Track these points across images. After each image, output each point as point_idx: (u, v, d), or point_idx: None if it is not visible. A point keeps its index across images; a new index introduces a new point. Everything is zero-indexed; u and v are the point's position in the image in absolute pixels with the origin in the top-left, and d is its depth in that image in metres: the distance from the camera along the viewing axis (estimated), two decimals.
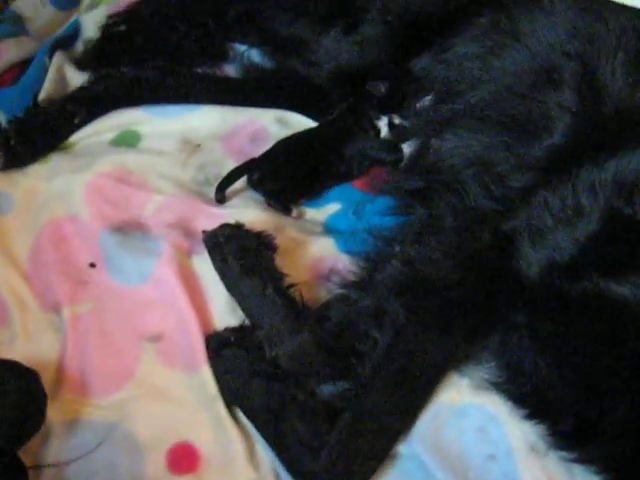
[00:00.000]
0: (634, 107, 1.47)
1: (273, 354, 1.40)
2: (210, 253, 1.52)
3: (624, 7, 1.72)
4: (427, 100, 1.72)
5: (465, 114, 1.63)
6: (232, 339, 1.43)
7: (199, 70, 1.91)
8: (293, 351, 1.39)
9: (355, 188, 1.78)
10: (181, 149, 1.76)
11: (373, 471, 1.32)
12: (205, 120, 1.80)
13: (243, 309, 1.48)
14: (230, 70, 1.97)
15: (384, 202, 1.71)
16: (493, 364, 1.43)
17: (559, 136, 1.47)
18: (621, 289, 1.28)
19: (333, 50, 1.80)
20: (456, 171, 1.55)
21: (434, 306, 1.36)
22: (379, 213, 1.70)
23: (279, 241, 1.59)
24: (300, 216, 1.71)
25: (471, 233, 1.41)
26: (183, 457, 1.38)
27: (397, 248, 1.46)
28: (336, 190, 1.78)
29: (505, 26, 1.67)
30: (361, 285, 1.47)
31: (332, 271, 1.59)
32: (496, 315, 1.36)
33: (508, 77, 1.61)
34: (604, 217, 1.35)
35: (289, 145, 1.73)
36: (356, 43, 1.79)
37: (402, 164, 1.72)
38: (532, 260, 1.35)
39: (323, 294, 1.55)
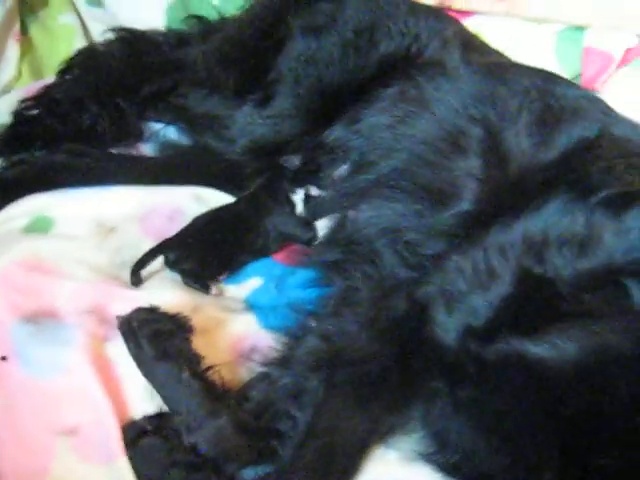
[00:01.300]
0: (538, 167, 1.49)
1: (192, 441, 1.35)
2: (124, 339, 1.47)
3: (528, 68, 1.77)
4: (343, 170, 1.73)
5: (379, 184, 1.64)
6: (149, 427, 1.38)
7: (114, 151, 1.88)
8: (211, 436, 1.35)
9: (276, 262, 1.76)
10: (95, 232, 1.72)
11: None
12: (120, 201, 1.77)
13: (160, 395, 1.43)
14: (146, 149, 1.95)
15: (305, 275, 1.69)
16: (421, 434, 1.40)
17: (467, 203, 1.49)
18: (538, 349, 1.27)
19: (247, 125, 1.81)
20: (371, 241, 1.55)
21: (352, 380, 1.34)
22: (301, 286, 1.68)
23: (198, 321, 1.55)
24: (220, 294, 1.68)
25: (386, 303, 1.40)
26: None
27: (313, 323, 1.43)
28: (257, 265, 1.76)
29: (413, 95, 1.69)
30: (281, 362, 1.44)
31: (254, 349, 1.56)
32: (416, 384, 1.34)
33: (418, 145, 1.62)
34: (516, 278, 1.36)
35: (205, 222, 1.72)
36: (269, 117, 1.80)
37: (321, 237, 1.71)
38: (448, 326, 1.34)
39: (245, 374, 1.51)
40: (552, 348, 1.26)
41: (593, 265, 1.35)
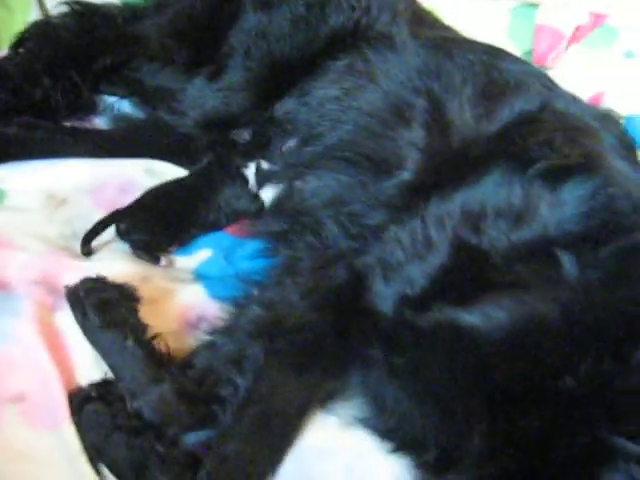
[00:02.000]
0: (479, 139, 1.52)
1: (135, 406, 1.38)
2: (71, 308, 1.50)
3: (474, 43, 1.79)
4: (292, 143, 1.75)
5: (325, 155, 1.66)
6: (94, 394, 1.40)
7: (67, 124, 1.89)
8: (154, 402, 1.37)
9: (225, 233, 1.79)
10: (46, 204, 1.73)
11: None
12: (71, 174, 1.79)
13: (106, 363, 1.46)
14: (100, 122, 1.96)
15: (254, 246, 1.71)
16: (359, 401, 1.43)
17: (409, 172, 1.51)
18: (470, 317, 1.31)
19: (198, 98, 1.82)
20: (315, 212, 1.58)
21: (291, 347, 1.37)
22: (249, 257, 1.70)
23: (147, 291, 1.58)
24: (169, 265, 1.70)
25: (326, 272, 1.43)
26: None
27: (257, 292, 1.46)
28: (207, 237, 1.78)
29: (360, 68, 1.72)
30: (225, 331, 1.47)
31: (201, 319, 1.58)
32: (353, 352, 1.37)
33: (364, 117, 1.65)
34: (452, 248, 1.39)
35: (157, 195, 1.73)
36: (220, 90, 1.82)
37: (268, 208, 1.73)
38: (385, 295, 1.37)
39: (191, 342, 1.53)
40: (484, 316, 1.30)
41: (527, 237, 1.38)
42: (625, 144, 1.68)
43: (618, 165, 1.54)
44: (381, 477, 1.38)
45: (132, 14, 1.98)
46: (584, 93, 2.09)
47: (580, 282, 1.31)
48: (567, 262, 1.33)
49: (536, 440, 1.23)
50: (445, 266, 1.37)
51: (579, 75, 2.15)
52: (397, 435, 1.39)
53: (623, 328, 1.26)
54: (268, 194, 1.79)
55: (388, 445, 1.39)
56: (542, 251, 1.36)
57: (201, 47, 1.84)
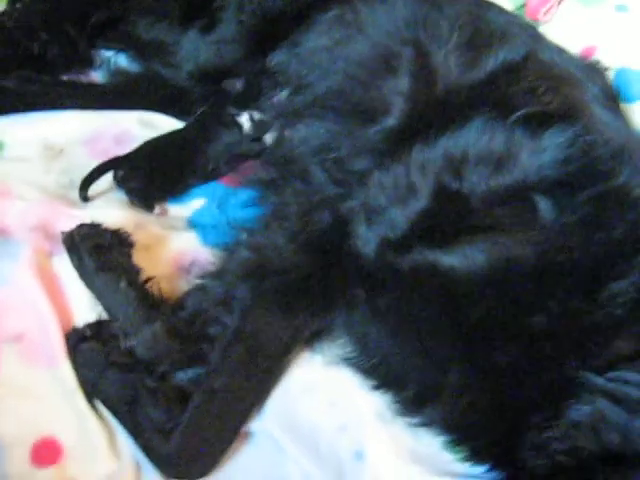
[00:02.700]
0: (463, 87, 1.55)
1: (128, 345, 1.44)
2: (68, 252, 1.56)
3: None
4: (283, 94, 1.78)
5: (315, 105, 1.70)
6: (89, 333, 1.47)
7: (64, 78, 1.93)
8: (146, 340, 1.44)
9: (219, 183, 1.83)
10: (44, 155, 1.78)
11: (224, 449, 1.37)
12: (67, 125, 1.83)
13: (101, 304, 1.52)
14: (97, 76, 2.00)
15: (246, 195, 1.76)
16: (344, 340, 1.49)
17: (393, 119, 1.54)
18: (449, 259, 1.35)
19: (192, 51, 1.85)
20: (304, 159, 1.62)
21: (277, 288, 1.42)
22: (241, 205, 1.75)
23: (141, 237, 1.64)
24: (163, 213, 1.75)
25: (312, 217, 1.48)
26: (46, 451, 1.40)
27: (245, 237, 1.51)
28: (202, 186, 1.82)
29: (349, 19, 1.74)
30: (216, 274, 1.52)
31: (193, 264, 1.64)
32: (337, 293, 1.42)
33: (352, 67, 1.68)
34: (433, 193, 1.43)
35: (155, 145, 1.78)
36: (213, 43, 1.85)
37: (260, 159, 1.78)
38: (367, 238, 1.42)
39: (184, 286, 1.59)
40: (462, 258, 1.35)
41: (507, 182, 1.42)
42: (609, 95, 1.71)
43: (599, 114, 1.56)
44: (363, 412, 1.44)
45: None
46: (576, 47, 2.11)
47: (556, 225, 1.35)
48: (544, 206, 1.37)
49: (508, 375, 1.28)
50: (426, 210, 1.41)
51: (571, 29, 2.15)
52: (379, 373, 1.44)
53: (594, 267, 1.30)
54: (268, 139, 1.82)
55: (370, 382, 1.45)
56: (520, 196, 1.39)
57: (194, 1, 1.87)
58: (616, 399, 1.22)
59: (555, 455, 1.23)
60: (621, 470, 1.19)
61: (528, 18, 2.21)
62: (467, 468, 1.39)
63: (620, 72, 2.10)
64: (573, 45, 2.09)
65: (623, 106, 2.01)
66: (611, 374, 1.24)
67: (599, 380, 1.24)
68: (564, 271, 1.30)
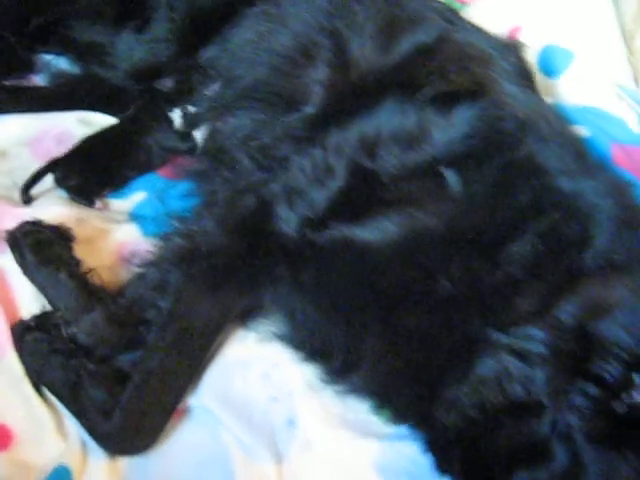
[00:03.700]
0: (376, 72, 1.63)
1: (69, 332, 1.52)
2: (11, 249, 1.63)
3: None
4: (214, 88, 1.86)
5: (243, 97, 1.78)
6: (33, 324, 1.55)
7: (6, 83, 2.00)
8: (86, 327, 1.52)
9: (159, 176, 1.91)
10: None
11: (163, 425, 1.45)
12: (9, 128, 1.91)
13: (44, 297, 1.60)
14: (39, 80, 2.07)
15: (184, 186, 1.84)
16: (274, 317, 1.57)
17: (312, 106, 1.63)
18: (364, 233, 1.44)
19: (126, 51, 1.93)
20: (233, 149, 1.70)
21: (206, 270, 1.50)
22: (180, 197, 1.82)
23: (83, 231, 1.72)
24: (105, 207, 1.83)
25: (238, 202, 1.56)
26: None
27: (175, 224, 1.59)
28: (141, 180, 1.90)
29: (273, 12, 1.83)
30: (152, 263, 1.60)
31: (134, 254, 1.70)
32: (263, 271, 1.50)
33: (276, 58, 1.76)
34: (349, 173, 1.51)
35: (90, 142, 1.86)
36: (147, 42, 1.92)
37: (197, 150, 1.86)
38: (289, 219, 1.50)
39: (125, 276, 1.67)
40: (375, 231, 1.43)
41: (418, 158, 1.50)
42: (522, 71, 1.79)
43: (509, 90, 1.65)
44: (294, 383, 1.53)
45: None
46: (503, 27, 2.20)
47: (464, 196, 1.44)
48: (452, 178, 1.45)
49: (419, 338, 1.37)
50: (343, 189, 1.49)
51: (496, 11, 2.24)
52: (307, 346, 1.53)
53: (497, 233, 1.39)
54: (199, 135, 1.90)
55: (300, 355, 1.54)
56: (430, 170, 1.48)
57: (127, 1, 1.94)
58: (519, 354, 1.31)
59: (465, 410, 1.31)
60: (525, 418, 1.27)
61: (456, 1, 2.29)
62: (392, 429, 1.48)
63: (545, 49, 2.19)
64: (500, 25, 2.18)
65: (548, 81, 2.11)
66: (514, 331, 1.33)
67: (503, 337, 1.33)
68: (469, 238, 1.39)
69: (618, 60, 2.14)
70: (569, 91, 2.09)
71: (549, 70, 2.17)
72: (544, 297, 1.35)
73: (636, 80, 2.10)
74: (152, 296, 1.53)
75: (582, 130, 1.92)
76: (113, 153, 1.85)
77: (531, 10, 2.24)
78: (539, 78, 2.10)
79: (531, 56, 2.11)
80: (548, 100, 2.00)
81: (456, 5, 2.27)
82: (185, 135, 1.88)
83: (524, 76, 1.78)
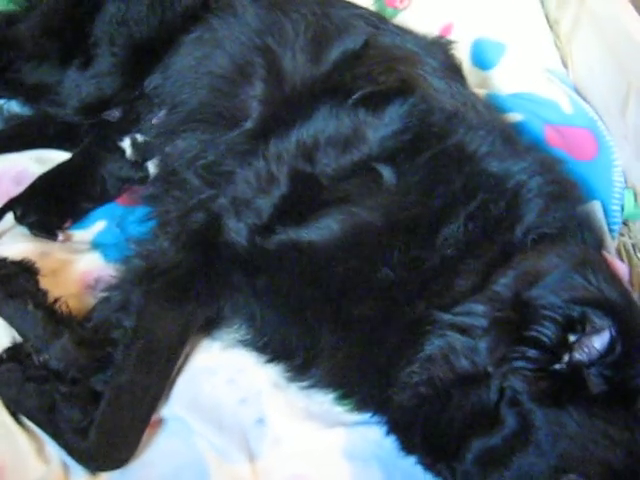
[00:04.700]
0: (308, 82, 1.72)
1: (41, 359, 1.58)
2: None
3: None
4: (161, 114, 1.94)
5: (188, 120, 1.86)
6: (5, 356, 1.61)
7: None
8: (57, 353, 1.58)
9: (117, 204, 1.99)
10: None
11: (138, 438, 1.51)
12: None
13: (14, 329, 1.66)
14: None
15: (141, 212, 1.91)
16: (237, 324, 1.65)
17: (251, 122, 1.71)
18: (308, 233, 1.52)
19: (73, 88, 2.00)
20: (182, 170, 1.77)
21: (165, 286, 1.58)
22: (138, 222, 1.89)
23: (48, 264, 1.79)
24: (67, 239, 1.90)
25: (189, 218, 1.63)
26: None
27: (136, 247, 1.66)
28: (101, 210, 1.98)
29: (208, 37, 1.91)
30: (115, 286, 1.67)
31: (98, 280, 1.78)
32: (219, 282, 1.57)
33: (216, 80, 1.84)
34: (290, 179, 1.59)
35: (46, 178, 1.93)
36: (92, 77, 2.00)
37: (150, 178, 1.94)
38: (238, 229, 1.57)
39: (91, 302, 1.74)
40: (318, 231, 1.51)
41: (354, 158, 1.59)
42: (450, 66, 1.88)
43: (437, 85, 1.74)
44: (260, 384, 1.60)
45: (7, 19, 2.14)
46: (435, 27, 2.30)
47: (399, 188, 1.52)
48: (387, 173, 1.53)
49: (368, 326, 1.44)
50: (286, 195, 1.57)
51: (428, 12, 2.34)
52: (270, 348, 1.60)
53: (432, 219, 1.47)
54: (152, 165, 1.98)
55: (264, 357, 1.61)
56: (366, 168, 1.56)
57: (70, 41, 2.02)
58: (462, 329, 1.39)
59: (417, 388, 1.39)
60: (473, 389, 1.35)
61: (389, 7, 2.38)
62: (356, 417, 1.55)
63: (477, 43, 2.29)
64: (433, 25, 2.28)
65: (483, 74, 2.20)
66: (456, 309, 1.41)
67: (446, 316, 1.41)
68: (406, 227, 1.46)
69: (546, 46, 2.24)
70: (503, 81, 2.18)
71: (483, 63, 2.27)
72: (481, 274, 1.42)
73: (564, 63, 2.20)
74: (117, 317, 1.60)
75: (516, 116, 2.01)
76: (69, 187, 1.92)
77: (461, 7, 2.34)
78: (473, 72, 2.20)
79: (463, 51, 2.22)
80: (483, 91, 2.10)
81: (389, 11, 2.37)
82: (138, 164, 1.94)
83: (452, 70, 1.86)
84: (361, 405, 1.53)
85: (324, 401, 1.57)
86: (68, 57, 2.03)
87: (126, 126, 1.98)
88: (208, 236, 1.59)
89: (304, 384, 1.57)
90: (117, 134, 1.98)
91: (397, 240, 1.46)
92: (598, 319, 1.28)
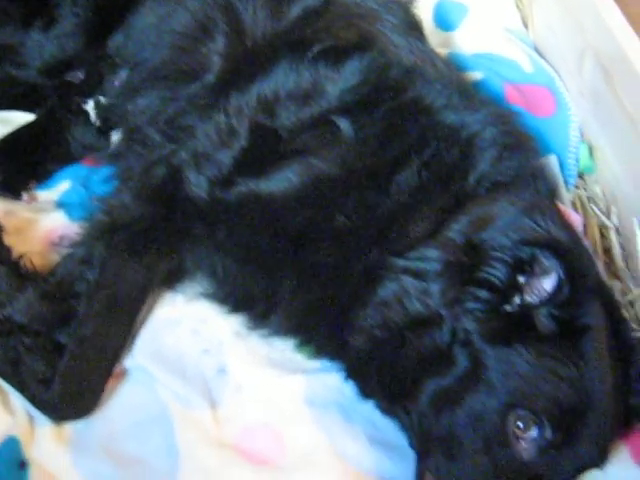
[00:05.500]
0: (269, 37, 1.73)
1: (5, 314, 1.60)
2: None
3: None
4: (123, 74, 1.95)
5: (149, 78, 1.87)
6: None
7: None
8: (21, 306, 1.59)
9: (82, 164, 2.00)
10: None
11: (101, 388, 1.53)
12: None
13: None
14: None
15: (106, 171, 1.92)
16: (199, 277, 1.67)
17: (212, 75, 1.72)
18: (269, 185, 1.54)
19: (37, 48, 2.00)
20: (143, 126, 1.78)
21: (126, 239, 1.59)
22: (103, 182, 1.91)
23: (12, 222, 1.80)
24: (32, 199, 1.91)
25: (151, 173, 1.65)
26: None
27: (97, 204, 1.68)
28: (66, 170, 1.99)
29: None
30: (79, 242, 1.68)
31: (62, 238, 1.79)
32: (180, 234, 1.59)
33: (177, 37, 1.85)
34: (250, 132, 1.61)
35: (11, 139, 1.94)
36: (55, 38, 2.00)
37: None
38: (199, 181, 1.59)
39: (56, 259, 1.75)
40: (278, 182, 1.53)
41: (314, 112, 1.61)
42: (410, 24, 1.90)
43: (395, 40, 1.76)
44: (222, 334, 1.62)
45: None
46: None
47: (356, 140, 1.55)
48: (344, 125, 1.56)
49: (325, 272, 1.47)
50: (245, 147, 1.59)
51: None
52: (231, 299, 1.63)
53: (388, 167, 1.50)
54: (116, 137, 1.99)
55: (226, 308, 1.63)
56: (324, 120, 1.58)
57: (32, 2, 2.02)
58: (416, 274, 1.42)
59: (371, 331, 1.42)
60: (426, 331, 1.38)
61: None
62: (316, 364, 1.58)
63: (439, 4, 2.32)
64: None
65: (445, 34, 2.23)
66: (410, 254, 1.44)
67: (400, 261, 1.44)
68: (361, 176, 1.49)
69: (508, 7, 2.27)
70: (465, 42, 2.21)
71: (445, 24, 2.30)
72: (435, 221, 1.46)
73: (525, 24, 2.23)
74: (80, 271, 1.61)
75: (477, 74, 2.04)
76: (34, 148, 1.93)
77: None
78: (436, 33, 2.23)
79: (426, 13, 2.25)
80: (445, 51, 2.13)
81: None
82: (102, 133, 1.95)
83: (412, 28, 1.88)
84: (320, 351, 1.56)
85: (285, 349, 1.60)
86: (30, 18, 2.02)
87: (89, 88, 1.99)
88: (169, 190, 1.61)
89: (265, 332, 1.60)
90: (81, 96, 1.98)
91: (352, 189, 1.48)
92: (546, 260, 1.31)
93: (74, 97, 1.99)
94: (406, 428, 1.44)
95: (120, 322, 1.58)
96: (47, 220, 1.85)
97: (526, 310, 1.34)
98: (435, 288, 1.38)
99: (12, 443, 1.50)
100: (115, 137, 1.98)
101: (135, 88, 1.89)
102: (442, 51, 2.09)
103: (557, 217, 1.41)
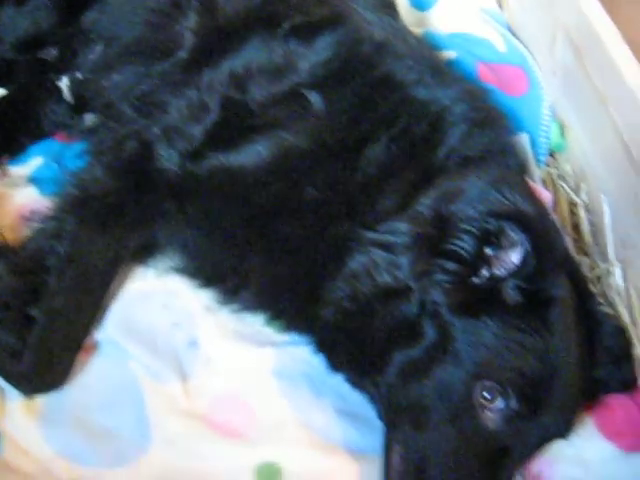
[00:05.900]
0: (240, 14, 1.73)
1: None
2: None
3: None
4: (97, 50, 1.94)
5: (124, 53, 1.86)
6: None
7: None
8: None
9: (54, 140, 1.99)
10: None
11: (72, 361, 1.53)
12: None
13: None
14: None
15: (79, 147, 1.91)
16: (170, 252, 1.67)
17: (184, 52, 1.72)
18: (238, 158, 1.55)
19: (10, 24, 1.99)
20: (116, 102, 1.78)
21: (97, 212, 1.59)
22: (76, 157, 1.90)
23: None
24: (4, 175, 1.90)
25: (122, 147, 1.65)
26: None
27: (69, 178, 1.67)
28: (38, 145, 1.98)
29: None
30: (50, 216, 1.68)
31: (34, 212, 1.78)
32: (150, 208, 1.59)
33: (151, 14, 1.85)
34: (221, 106, 1.61)
35: None
36: (29, 13, 1.99)
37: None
38: (170, 156, 1.59)
39: (27, 233, 1.75)
40: (248, 155, 1.54)
41: (285, 86, 1.61)
42: (383, 1, 1.92)
43: (368, 17, 1.76)
44: (193, 308, 1.63)
45: None
46: None
47: (326, 114, 1.56)
48: (315, 99, 1.57)
49: (295, 246, 1.48)
50: (216, 121, 1.59)
51: None
52: (202, 273, 1.63)
53: (358, 141, 1.50)
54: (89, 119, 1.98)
55: (197, 283, 1.64)
56: (294, 94, 1.59)
57: None
58: (385, 247, 1.43)
59: (340, 303, 1.43)
60: (395, 303, 1.39)
61: None
62: (285, 337, 1.59)
63: None
64: None
65: (420, 14, 2.23)
66: (380, 227, 1.45)
67: (370, 234, 1.45)
68: (330, 149, 1.50)
69: None
70: (440, 21, 2.22)
71: (420, 4, 2.30)
72: (404, 194, 1.47)
73: (499, 3, 2.24)
74: (51, 245, 1.61)
75: (450, 53, 2.05)
76: (6, 123, 1.92)
77: None
78: (411, 12, 2.23)
79: None
80: (419, 30, 2.14)
81: None
82: (75, 110, 1.94)
83: (385, 5, 1.89)
84: (290, 325, 1.57)
85: (254, 322, 1.60)
86: None
87: (63, 65, 1.98)
88: (140, 163, 1.61)
89: (235, 307, 1.60)
90: (55, 73, 1.97)
91: (322, 162, 1.49)
92: (513, 233, 1.32)
93: (48, 74, 1.97)
94: (374, 400, 1.46)
95: (90, 295, 1.58)
96: (19, 195, 1.85)
97: (493, 282, 1.35)
98: (404, 261, 1.39)
99: None
100: (88, 118, 1.97)
101: (109, 64, 1.88)
102: (417, 30, 2.10)
103: (525, 191, 1.42)
